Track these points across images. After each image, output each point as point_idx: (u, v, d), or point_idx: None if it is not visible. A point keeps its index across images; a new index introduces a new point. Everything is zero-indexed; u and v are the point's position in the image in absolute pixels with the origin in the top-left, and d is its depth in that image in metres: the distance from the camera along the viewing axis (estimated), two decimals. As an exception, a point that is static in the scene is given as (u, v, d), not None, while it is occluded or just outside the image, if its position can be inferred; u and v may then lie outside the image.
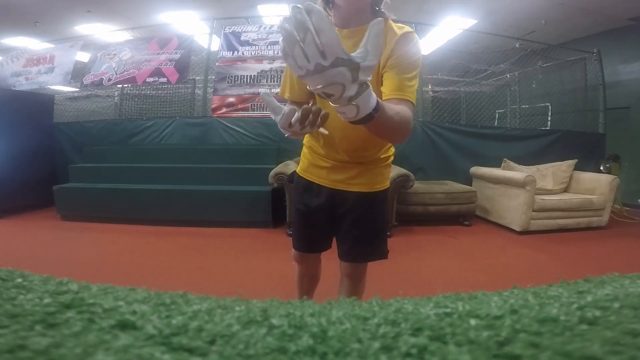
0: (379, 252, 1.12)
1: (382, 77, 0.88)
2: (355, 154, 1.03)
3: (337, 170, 1.06)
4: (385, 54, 0.87)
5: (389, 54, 0.87)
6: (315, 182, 1.10)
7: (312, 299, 0.30)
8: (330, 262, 1.25)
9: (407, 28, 0.90)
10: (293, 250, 1.21)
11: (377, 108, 0.63)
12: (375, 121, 0.64)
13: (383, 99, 0.82)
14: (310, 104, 0.72)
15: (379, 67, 0.88)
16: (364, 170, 1.06)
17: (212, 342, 0.21)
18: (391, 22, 0.92)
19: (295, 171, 1.20)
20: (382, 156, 1.07)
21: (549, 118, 4.88)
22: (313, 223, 1.14)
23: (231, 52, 4.29)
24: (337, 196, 1.08)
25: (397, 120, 0.73)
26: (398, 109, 0.75)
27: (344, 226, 1.10)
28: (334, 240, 1.17)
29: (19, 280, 0.30)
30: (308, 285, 1.32)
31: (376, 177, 1.08)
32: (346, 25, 0.92)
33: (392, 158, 1.12)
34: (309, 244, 1.18)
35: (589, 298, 0.27)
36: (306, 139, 1.15)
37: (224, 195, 3.34)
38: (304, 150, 1.16)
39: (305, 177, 1.14)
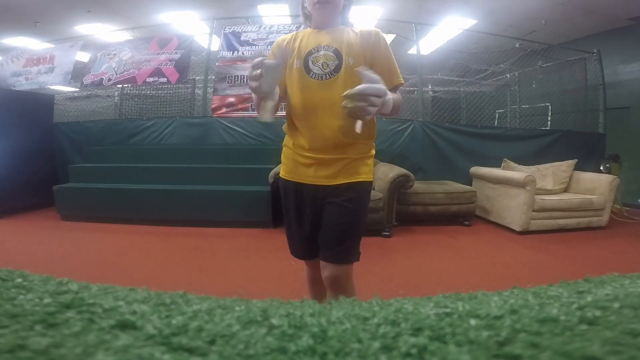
0: (351, 251, 1.07)
1: (367, 64, 1.05)
2: (341, 142, 1.04)
3: (323, 167, 1.06)
4: (367, 47, 1.06)
5: (371, 47, 1.06)
6: (301, 182, 1.09)
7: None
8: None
9: (372, 27, 1.10)
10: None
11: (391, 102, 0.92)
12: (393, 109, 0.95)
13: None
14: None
15: (363, 55, 1.07)
16: (349, 162, 1.07)
17: (212, 342, 0.21)
18: (356, 25, 1.11)
19: (278, 176, 1.18)
20: (366, 145, 1.10)
21: (549, 118, 4.88)
22: (302, 228, 1.13)
23: (231, 52, 4.29)
24: (321, 192, 1.08)
25: (398, 100, 1.02)
26: (397, 95, 1.03)
27: (324, 217, 1.07)
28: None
29: (19, 280, 0.30)
30: (317, 289, 1.27)
31: (360, 167, 1.08)
32: (323, 27, 1.10)
33: (373, 151, 1.13)
34: (303, 251, 1.17)
35: (589, 298, 0.27)
36: (287, 139, 1.14)
37: (224, 195, 3.34)
38: (285, 151, 1.14)
39: (290, 179, 1.12)
